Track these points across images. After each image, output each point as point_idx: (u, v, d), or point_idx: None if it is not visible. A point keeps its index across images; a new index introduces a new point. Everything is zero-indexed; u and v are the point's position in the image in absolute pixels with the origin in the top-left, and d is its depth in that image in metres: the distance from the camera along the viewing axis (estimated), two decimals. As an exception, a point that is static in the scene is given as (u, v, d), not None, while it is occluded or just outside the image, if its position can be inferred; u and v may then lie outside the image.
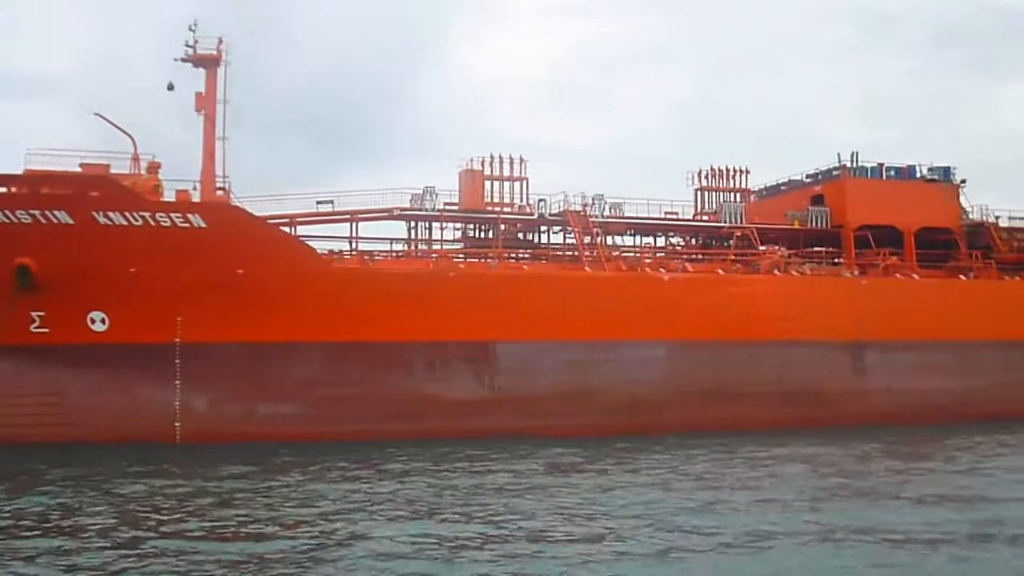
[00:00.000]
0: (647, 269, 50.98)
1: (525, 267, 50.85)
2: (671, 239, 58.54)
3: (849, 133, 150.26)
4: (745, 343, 49.73)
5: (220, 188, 46.10)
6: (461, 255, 53.67)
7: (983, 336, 53.98)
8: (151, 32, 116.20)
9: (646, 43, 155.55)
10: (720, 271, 52.34)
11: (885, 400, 51.45)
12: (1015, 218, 61.13)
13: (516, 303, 47.12)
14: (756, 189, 63.82)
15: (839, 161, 57.92)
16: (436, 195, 51.35)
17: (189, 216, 43.34)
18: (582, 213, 52.13)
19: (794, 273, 53.40)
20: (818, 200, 58.47)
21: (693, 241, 58.67)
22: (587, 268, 50.10)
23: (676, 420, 47.06)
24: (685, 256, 56.00)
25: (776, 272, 52.81)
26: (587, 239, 51.79)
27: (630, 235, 56.94)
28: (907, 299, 53.61)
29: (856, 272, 54.65)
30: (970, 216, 60.42)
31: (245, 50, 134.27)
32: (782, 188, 61.87)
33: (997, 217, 60.72)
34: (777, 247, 57.85)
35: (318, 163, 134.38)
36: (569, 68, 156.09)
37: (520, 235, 56.43)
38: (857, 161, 57.80)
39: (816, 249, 57.51)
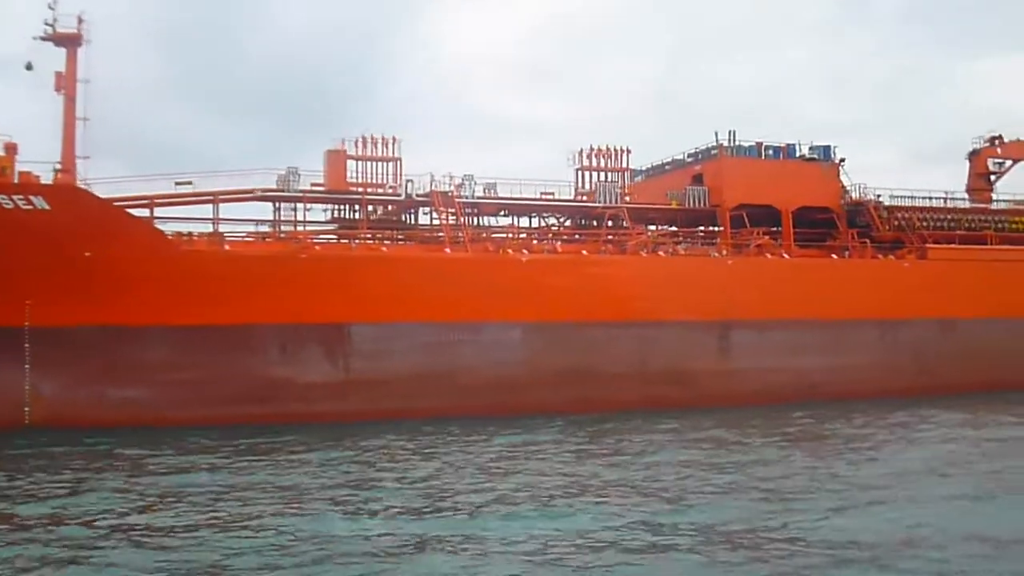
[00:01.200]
0: (509, 250, 50.60)
1: (384, 248, 50.42)
2: (547, 219, 58.12)
3: (820, 109, 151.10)
4: (607, 324, 49.54)
5: (61, 169, 45.32)
6: (332, 237, 53.34)
7: (854, 315, 54.04)
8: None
9: (621, 19, 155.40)
10: (584, 252, 52.06)
11: (753, 380, 51.41)
12: (896, 196, 61.01)
13: (371, 285, 46.71)
14: (644, 168, 63.53)
15: (716, 140, 57.63)
16: (300, 176, 50.82)
17: (32, 198, 42.68)
18: (449, 194, 51.75)
19: (660, 254, 53.17)
20: (698, 179, 58.24)
21: (570, 222, 58.25)
22: (447, 249, 49.73)
23: (536, 401, 46.90)
24: (559, 237, 55.85)
25: (643, 253, 52.54)
26: (454, 220, 51.50)
27: (504, 216, 56.50)
28: (776, 279, 53.54)
29: (724, 252, 54.45)
30: (851, 195, 60.31)
31: (218, 28, 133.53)
32: (666, 168, 61.62)
33: (878, 196, 60.63)
34: (655, 228, 58.06)
35: (289, 141, 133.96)
36: (544, 45, 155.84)
37: (397, 217, 55.97)
38: (735, 140, 57.51)
39: (692, 229, 57.42)
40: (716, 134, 57.63)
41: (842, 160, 59.38)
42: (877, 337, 54.66)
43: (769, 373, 51.52)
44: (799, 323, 52.71)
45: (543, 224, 58.14)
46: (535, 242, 54.97)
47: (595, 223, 56.31)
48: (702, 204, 57.14)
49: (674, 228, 58.95)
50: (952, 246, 58.19)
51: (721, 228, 56.59)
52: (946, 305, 56.15)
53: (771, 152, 58.29)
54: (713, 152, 57.87)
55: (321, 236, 52.49)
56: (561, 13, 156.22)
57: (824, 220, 58.86)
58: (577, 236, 55.94)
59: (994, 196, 68.08)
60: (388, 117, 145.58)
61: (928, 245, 57.66)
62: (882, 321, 54.87)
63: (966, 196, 67.23)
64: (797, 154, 58.75)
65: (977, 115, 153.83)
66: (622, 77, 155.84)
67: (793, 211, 57.50)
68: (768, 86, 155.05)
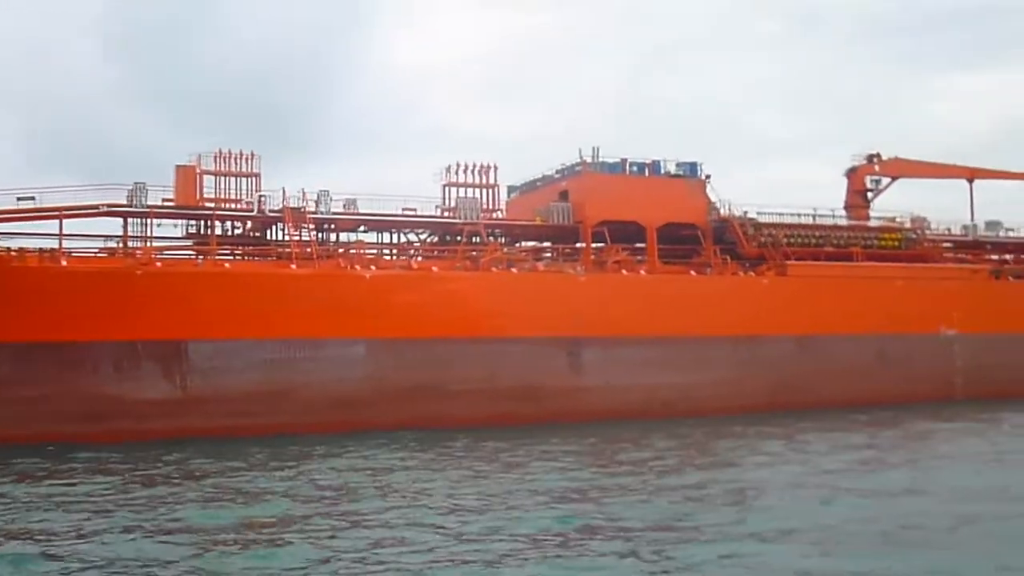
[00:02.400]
0: (357, 267, 50.34)
1: (227, 265, 50.01)
2: (413, 236, 57.88)
3: (776, 125, 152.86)
4: (455, 340, 49.33)
5: None
6: (185, 253, 52.86)
7: (711, 331, 54.14)
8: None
9: (582, 34, 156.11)
10: (434, 268, 51.91)
11: (603, 396, 51.37)
12: (764, 213, 61.34)
13: (210, 302, 46.35)
14: (518, 184, 63.54)
15: (580, 157, 57.69)
16: (147, 191, 50.37)
17: None
18: (301, 209, 51.49)
19: (513, 271, 53.09)
20: (564, 196, 58.23)
21: (436, 239, 58.07)
22: (293, 266, 49.42)
23: (380, 418, 46.64)
24: (419, 253, 55.74)
25: (495, 269, 52.44)
26: (306, 236, 51.26)
27: (365, 232, 56.21)
28: (630, 296, 53.53)
29: (580, 269, 54.47)
30: (720, 211, 60.55)
31: (170, 35, 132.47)
32: (538, 184, 61.57)
33: (745, 212, 60.90)
34: (529, 244, 58.20)
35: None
36: (503, 59, 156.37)
37: (259, 234, 55.50)
38: (598, 156, 57.58)
39: (554, 245, 57.53)
40: (580, 150, 57.78)
41: (708, 176, 59.59)
42: (732, 354, 54.71)
43: (620, 390, 51.47)
44: (653, 340, 52.71)
45: (410, 241, 57.81)
46: (393, 258, 54.84)
47: (464, 240, 56.28)
48: (566, 220, 57.12)
49: (545, 244, 59.14)
50: (811, 263, 58.54)
51: (584, 245, 56.54)
52: (804, 322, 56.40)
53: (636, 168, 58.36)
54: (577, 168, 57.91)
55: (167, 252, 51.90)
56: (521, 27, 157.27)
57: (690, 236, 58.98)
58: (437, 253, 55.82)
59: (871, 213, 68.61)
60: (342, 129, 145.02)
61: (788, 262, 57.88)
62: (739, 338, 54.96)
63: (844, 213, 67.78)
64: (663, 170, 58.85)
65: (928, 131, 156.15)
66: (583, 91, 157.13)
67: (658, 227, 57.64)
68: (728, 100, 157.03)
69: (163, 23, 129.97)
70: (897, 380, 57.81)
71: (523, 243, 60.58)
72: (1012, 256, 71.83)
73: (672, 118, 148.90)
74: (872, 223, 67.14)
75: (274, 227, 54.55)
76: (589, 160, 57.48)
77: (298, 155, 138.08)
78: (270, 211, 52.08)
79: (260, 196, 52.33)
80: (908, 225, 65.74)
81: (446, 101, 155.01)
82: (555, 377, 50.97)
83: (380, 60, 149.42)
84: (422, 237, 57.77)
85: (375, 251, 56.32)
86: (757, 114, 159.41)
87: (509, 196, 63.85)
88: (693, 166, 59.47)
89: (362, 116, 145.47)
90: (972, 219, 72.05)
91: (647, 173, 58.67)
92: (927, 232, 66.58)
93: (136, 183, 50.23)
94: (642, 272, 55.30)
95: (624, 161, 58.21)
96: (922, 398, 57.44)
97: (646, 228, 57.36)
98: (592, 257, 56.41)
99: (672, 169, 59.20)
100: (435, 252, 55.84)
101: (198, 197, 52.15)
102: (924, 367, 59.00)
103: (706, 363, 53.64)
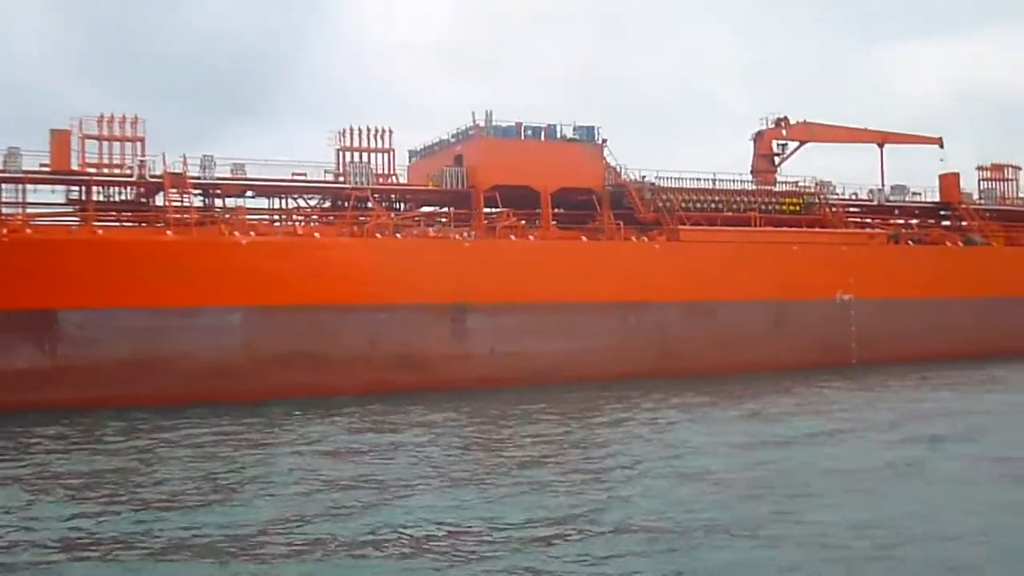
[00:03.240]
0: (236, 233, 49.66)
1: (100, 232, 49.17)
2: (300, 202, 57.17)
3: (739, 95, 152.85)
4: (335, 307, 48.88)
5: None
6: (67, 220, 51.99)
7: (598, 297, 53.97)
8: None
9: (546, 6, 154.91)
10: (316, 235, 51.35)
11: (488, 363, 51.21)
12: (663, 178, 61.01)
13: (81, 269, 45.58)
14: (418, 149, 62.91)
15: (473, 121, 57.05)
16: (21, 156, 49.37)
17: None
18: (181, 175, 50.65)
19: (398, 236, 52.59)
20: (459, 160, 57.68)
21: (329, 204, 57.39)
22: (169, 232, 48.66)
23: (256, 387, 46.21)
24: (309, 219, 55.17)
25: (378, 235, 51.89)
26: (188, 201, 50.50)
27: (253, 198, 55.51)
28: (516, 262, 53.16)
29: (467, 234, 54.04)
30: (621, 176, 60.21)
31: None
32: (436, 149, 60.94)
33: (644, 177, 60.60)
34: (429, 209, 57.82)
35: (214, 126, 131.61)
36: (469, 32, 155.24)
37: (145, 200, 54.57)
38: (491, 120, 56.93)
39: (448, 211, 57.08)
40: (473, 114, 57.12)
41: (604, 140, 59.12)
42: (621, 320, 54.63)
43: (505, 357, 51.30)
44: (540, 306, 52.49)
45: (300, 207, 57.07)
46: (281, 224, 54.23)
47: (360, 205, 55.72)
48: (459, 185, 56.62)
49: (441, 209, 58.73)
50: (704, 228, 58.31)
51: (474, 210, 56.03)
52: (696, 288, 56.34)
53: (531, 133, 57.78)
54: (471, 132, 57.28)
55: (46, 220, 50.99)
56: (487, 3, 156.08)
57: (587, 202, 58.63)
58: (329, 219, 55.23)
59: (778, 177, 68.49)
60: (310, 101, 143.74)
61: (680, 227, 57.67)
62: (628, 304, 54.86)
63: (751, 178, 67.63)
64: (559, 135, 58.33)
65: (897, 101, 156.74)
66: (549, 64, 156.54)
67: (553, 192, 57.24)
68: (692, 73, 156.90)
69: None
70: (792, 346, 57.96)
71: (423, 208, 60.04)
72: (917, 220, 72.17)
73: (634, 92, 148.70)
74: (778, 188, 67.06)
75: (160, 194, 53.77)
76: (482, 124, 56.77)
77: (260, 125, 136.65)
78: (151, 176, 51.25)
79: (141, 161, 51.44)
80: (812, 190, 65.69)
81: (411, 74, 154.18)
82: (439, 344, 50.65)
83: (350, 32, 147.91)
84: (312, 203, 57.02)
85: (267, 218, 55.76)
86: (719, 88, 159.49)
87: (410, 161, 63.29)
88: (590, 130, 58.94)
89: (330, 88, 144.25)
90: (882, 184, 72.28)
91: (543, 137, 58.10)
92: (830, 197, 66.59)
93: (10, 148, 49.32)
94: (531, 238, 54.85)
95: (519, 125, 57.56)
96: (818, 364, 57.61)
97: (541, 193, 56.89)
98: (485, 223, 55.94)
99: (569, 134, 58.62)
100: (328, 218, 55.22)
101: (81, 162, 51.21)
102: (820, 333, 59.23)
103: (594, 329, 53.51)
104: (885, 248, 64.03)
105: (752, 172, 68.41)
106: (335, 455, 30.99)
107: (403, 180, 59.54)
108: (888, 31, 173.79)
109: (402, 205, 60.03)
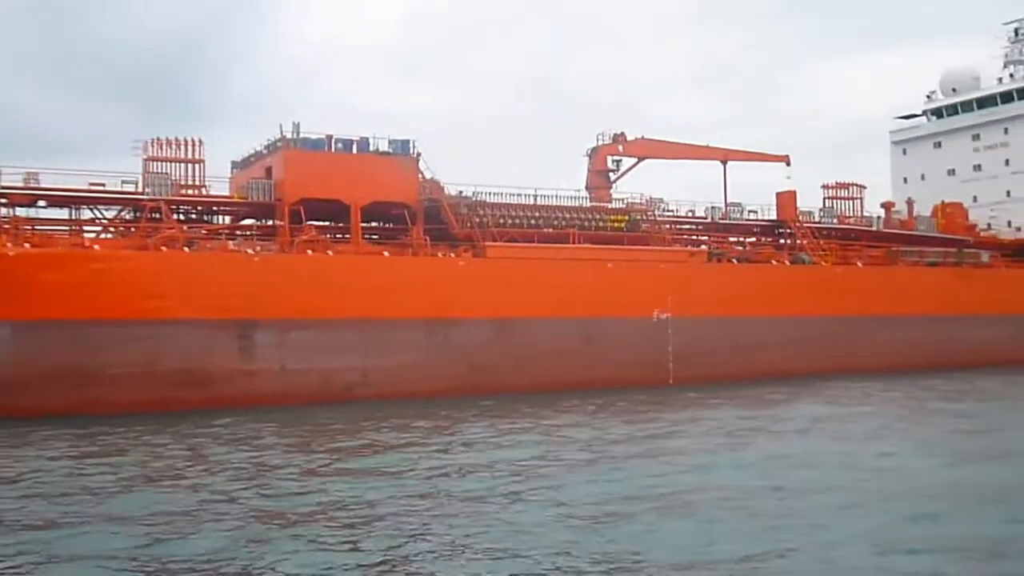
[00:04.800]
0: (8, 244, 47.95)
1: None
2: (95, 212, 55.48)
3: (686, 105, 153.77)
4: (110, 322, 47.31)
5: None
6: None
7: (399, 314, 52.98)
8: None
9: (493, 12, 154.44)
10: (96, 247, 49.83)
11: (278, 380, 50.00)
12: (480, 193, 60.29)
13: None
14: (240, 159, 61.56)
15: (281, 132, 55.82)
16: None
17: None
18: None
19: (185, 250, 51.19)
20: (269, 172, 56.46)
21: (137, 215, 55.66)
22: (-66, 244, 46.88)
23: (27, 405, 44.64)
24: (108, 230, 53.69)
25: (164, 248, 50.44)
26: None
27: (44, 207, 53.72)
28: (312, 276, 51.92)
29: (259, 248, 52.71)
30: (443, 190, 59.39)
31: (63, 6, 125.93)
32: (252, 160, 59.63)
33: (460, 192, 59.87)
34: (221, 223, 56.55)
35: (145, 126, 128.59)
36: (412, 36, 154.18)
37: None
38: (298, 133, 55.77)
39: (253, 224, 55.91)
40: (280, 126, 55.92)
41: (419, 154, 58.25)
42: (425, 336, 53.76)
43: (296, 374, 50.12)
44: (335, 322, 51.41)
45: (96, 218, 55.37)
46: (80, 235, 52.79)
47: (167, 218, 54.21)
48: (266, 198, 55.40)
49: (247, 222, 57.50)
50: (512, 244, 57.64)
51: (280, 223, 54.83)
52: (503, 305, 55.60)
53: (341, 145, 56.70)
54: (279, 145, 56.09)
55: None
56: (423, 4, 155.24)
57: (401, 216, 57.66)
58: (132, 230, 53.68)
59: (613, 194, 68.08)
60: (245, 104, 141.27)
61: (487, 244, 56.95)
62: (432, 320, 54.00)
63: (586, 194, 67.21)
64: (371, 148, 57.35)
65: (837, 113, 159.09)
66: (495, 70, 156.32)
67: (364, 206, 56.15)
68: (640, 81, 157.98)
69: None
70: (607, 364, 57.40)
71: (243, 221, 58.65)
72: (755, 238, 72.39)
73: (582, 98, 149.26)
74: (613, 205, 66.61)
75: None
76: (290, 136, 55.62)
77: (201, 127, 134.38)
78: (-72, 185, 49.46)
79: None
80: (641, 206, 65.41)
81: (350, 75, 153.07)
82: (224, 360, 49.29)
83: (288, 32, 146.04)
84: (108, 214, 55.37)
85: (65, 228, 54.12)
86: (666, 96, 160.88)
87: (231, 172, 61.94)
88: (405, 143, 58.00)
89: (268, 87, 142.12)
90: (725, 201, 72.41)
91: (355, 150, 57.05)
92: (664, 214, 66.38)
93: None
94: (329, 253, 53.75)
95: (329, 137, 56.38)
96: (635, 383, 57.19)
97: (351, 207, 55.81)
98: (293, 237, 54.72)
99: (383, 147, 57.68)
100: (127, 229, 53.70)
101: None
102: (635, 351, 58.74)
103: (394, 346, 52.53)
104: (704, 266, 63.78)
105: (587, 188, 67.96)
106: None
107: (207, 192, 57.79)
108: (833, 47, 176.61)
109: (219, 218, 58.72)
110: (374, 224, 59.16)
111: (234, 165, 61.93)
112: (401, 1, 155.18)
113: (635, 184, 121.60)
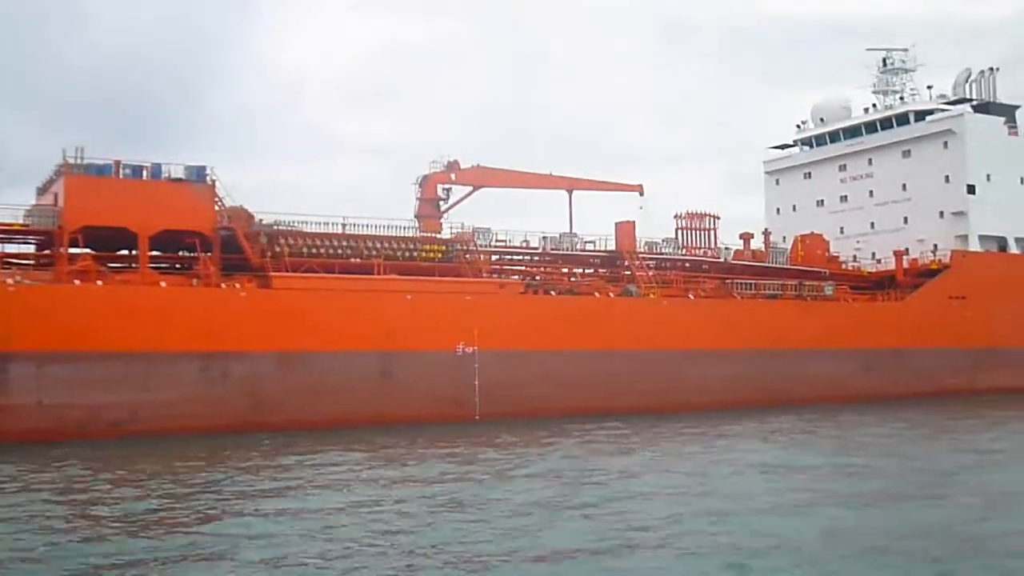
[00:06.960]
0: None
1: None
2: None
3: (647, 137, 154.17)
4: None
5: None
6: None
7: (170, 347, 51.01)
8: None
9: (457, 44, 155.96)
10: None
11: (37, 415, 48.04)
12: (282, 223, 58.64)
13: None
14: (41, 185, 59.67)
15: (63, 158, 53.97)
16: None
17: None
18: None
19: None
20: (56, 199, 54.67)
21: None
22: None
23: None
24: None
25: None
26: None
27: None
28: (75, 307, 49.94)
29: (17, 278, 50.83)
30: (253, 218, 57.82)
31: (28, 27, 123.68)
32: (47, 186, 57.76)
33: (261, 220, 58.18)
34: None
35: (111, 150, 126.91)
36: (378, 65, 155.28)
37: None
38: (82, 157, 53.95)
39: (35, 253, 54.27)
40: (64, 151, 54.21)
41: (214, 181, 56.53)
42: (201, 370, 51.91)
43: (55, 409, 48.10)
44: (100, 355, 49.27)
45: None
46: None
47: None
48: (50, 225, 53.58)
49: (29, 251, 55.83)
50: (304, 275, 55.92)
51: (58, 251, 52.97)
52: (291, 337, 53.79)
53: (129, 171, 55.00)
54: (62, 170, 54.34)
55: None
56: (397, 34, 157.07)
57: (193, 245, 55.90)
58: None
59: (444, 223, 66.45)
60: (215, 128, 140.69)
61: (273, 274, 55.16)
62: (210, 353, 52.14)
63: (415, 223, 65.56)
64: (164, 174, 55.66)
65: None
66: (456, 100, 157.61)
67: (154, 235, 54.33)
68: (600, 114, 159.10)
69: (22, 15, 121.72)
70: (404, 399, 55.64)
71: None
72: (595, 268, 70.91)
73: (544, 129, 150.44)
74: (443, 235, 64.98)
75: None
76: (73, 160, 53.90)
77: (176, 152, 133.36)
78: None
79: None
80: (464, 236, 63.82)
81: (321, 103, 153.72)
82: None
83: (261, 59, 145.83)
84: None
85: None
86: (628, 125, 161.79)
87: (37, 198, 60.10)
88: (201, 170, 56.29)
89: (240, 115, 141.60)
90: (571, 229, 71.04)
91: (145, 176, 55.35)
92: (484, 245, 64.75)
93: None
94: (99, 283, 51.87)
95: (117, 163, 54.74)
96: (437, 418, 55.49)
97: (139, 235, 54.01)
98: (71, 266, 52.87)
99: (177, 173, 55.98)
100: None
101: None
102: (437, 386, 56.93)
103: (165, 379, 50.60)
104: (515, 298, 61.82)
105: (416, 216, 66.37)
106: None
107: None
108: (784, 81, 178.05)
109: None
110: (168, 254, 57.24)
111: (38, 191, 60.17)
112: (362, 34, 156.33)
113: (503, 215, 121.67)
